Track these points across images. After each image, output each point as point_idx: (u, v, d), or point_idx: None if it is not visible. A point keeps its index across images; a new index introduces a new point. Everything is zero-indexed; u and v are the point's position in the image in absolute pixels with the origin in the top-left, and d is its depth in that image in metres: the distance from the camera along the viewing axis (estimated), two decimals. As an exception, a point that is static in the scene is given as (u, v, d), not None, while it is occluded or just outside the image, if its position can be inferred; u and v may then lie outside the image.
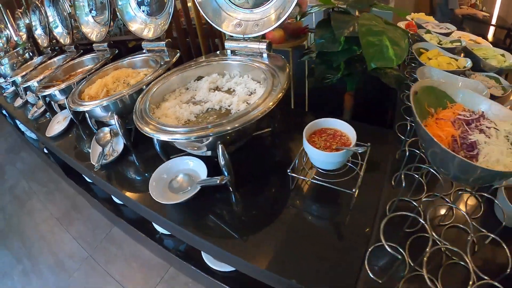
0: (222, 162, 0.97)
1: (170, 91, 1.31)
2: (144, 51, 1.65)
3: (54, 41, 2.69)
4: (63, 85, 1.60)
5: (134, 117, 1.09)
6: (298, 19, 1.70)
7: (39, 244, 2.96)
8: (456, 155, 0.58)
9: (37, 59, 2.71)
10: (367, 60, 1.06)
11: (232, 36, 1.25)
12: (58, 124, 1.85)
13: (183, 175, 1.11)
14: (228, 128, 0.88)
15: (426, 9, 3.20)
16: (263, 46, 1.18)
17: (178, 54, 1.45)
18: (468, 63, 1.12)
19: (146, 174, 1.25)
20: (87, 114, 1.51)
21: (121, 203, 1.87)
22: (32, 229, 3.15)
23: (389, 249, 0.65)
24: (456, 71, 1.06)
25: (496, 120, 0.71)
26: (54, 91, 1.60)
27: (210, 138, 0.92)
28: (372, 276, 0.74)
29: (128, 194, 1.19)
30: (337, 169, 0.96)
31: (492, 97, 1.00)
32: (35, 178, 3.84)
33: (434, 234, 0.71)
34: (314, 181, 0.98)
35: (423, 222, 0.71)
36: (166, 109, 1.18)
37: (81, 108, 1.28)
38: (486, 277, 0.66)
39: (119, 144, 1.39)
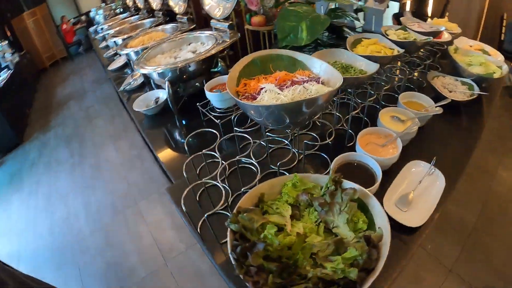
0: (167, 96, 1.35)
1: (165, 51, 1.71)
2: (212, 28, 1.74)
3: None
4: (138, 48, 1.81)
5: (136, 62, 1.53)
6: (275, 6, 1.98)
7: (90, 150, 3.83)
8: (234, 97, 0.81)
9: (133, 18, 2.91)
10: (279, 39, 1.25)
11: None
12: (133, 77, 2.06)
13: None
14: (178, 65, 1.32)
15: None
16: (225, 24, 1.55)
17: (236, 38, 1.55)
18: (401, 50, 1.23)
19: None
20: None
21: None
22: (90, 138, 4.06)
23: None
24: (375, 56, 1.15)
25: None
26: (130, 51, 1.82)
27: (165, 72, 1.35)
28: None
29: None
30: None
31: (453, 101, 1.21)
32: (106, 104, 4.84)
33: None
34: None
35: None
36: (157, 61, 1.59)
37: (142, 71, 1.47)
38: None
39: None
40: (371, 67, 1.09)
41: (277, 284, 0.55)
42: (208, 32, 1.68)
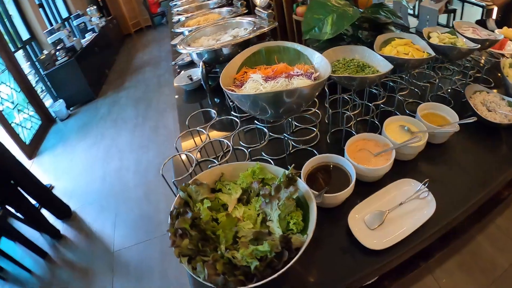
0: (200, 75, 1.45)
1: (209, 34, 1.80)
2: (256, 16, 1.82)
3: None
4: (191, 28, 1.94)
5: (180, 42, 1.64)
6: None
7: (153, 114, 4.20)
8: (222, 86, 0.87)
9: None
10: (304, 32, 1.24)
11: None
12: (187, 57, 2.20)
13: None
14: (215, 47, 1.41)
15: None
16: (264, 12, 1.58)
17: (273, 25, 1.59)
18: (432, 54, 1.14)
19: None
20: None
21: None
22: (155, 103, 4.44)
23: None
24: (393, 57, 1.09)
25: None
26: (184, 30, 1.98)
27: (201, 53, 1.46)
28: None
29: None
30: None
31: (490, 123, 1.08)
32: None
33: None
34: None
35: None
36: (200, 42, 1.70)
37: (181, 50, 1.58)
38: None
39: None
40: (386, 68, 1.03)
41: (189, 249, 0.61)
42: (250, 19, 1.73)
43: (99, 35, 5.81)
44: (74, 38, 4.92)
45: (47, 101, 4.88)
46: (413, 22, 1.95)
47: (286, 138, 1.01)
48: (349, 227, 0.77)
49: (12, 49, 4.34)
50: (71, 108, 4.84)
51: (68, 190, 3.15)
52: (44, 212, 2.74)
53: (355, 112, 1.10)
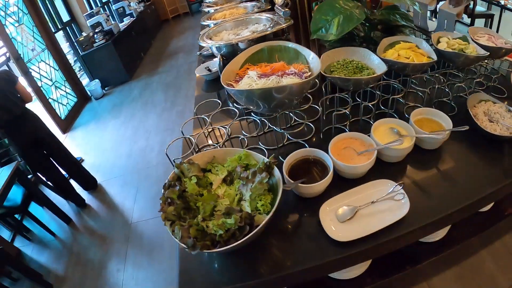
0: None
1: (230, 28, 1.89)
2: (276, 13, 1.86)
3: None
4: (216, 21, 2.05)
5: (202, 35, 1.74)
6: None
7: (181, 99, 4.39)
8: (222, 81, 0.97)
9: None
10: (312, 32, 1.27)
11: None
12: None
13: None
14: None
15: None
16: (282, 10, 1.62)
17: (289, 23, 1.64)
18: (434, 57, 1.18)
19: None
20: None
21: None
22: (184, 89, 4.63)
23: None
24: (390, 60, 1.14)
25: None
26: (209, 22, 2.08)
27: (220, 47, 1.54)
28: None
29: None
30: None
31: (491, 135, 1.05)
32: (206, 62, 5.39)
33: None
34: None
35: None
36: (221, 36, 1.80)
37: (202, 43, 1.69)
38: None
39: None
40: (381, 71, 1.07)
41: (173, 215, 0.73)
42: (269, 15, 1.80)
43: (136, 20, 6.08)
44: (113, 22, 5.19)
45: (84, 80, 5.22)
46: (433, 25, 1.94)
47: (280, 131, 1.10)
48: (319, 217, 0.85)
49: (53, 30, 4.67)
50: (106, 88, 5.15)
51: (96, 164, 3.42)
52: (73, 182, 3.01)
53: (342, 111, 1.15)
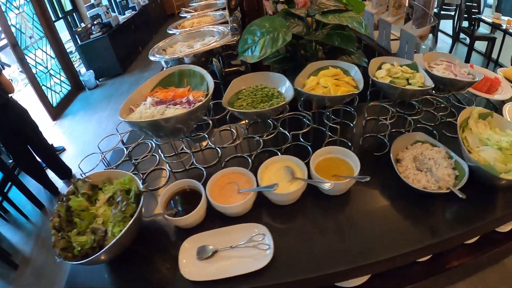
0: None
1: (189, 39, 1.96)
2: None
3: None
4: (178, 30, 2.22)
5: (157, 46, 1.81)
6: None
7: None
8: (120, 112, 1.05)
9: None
10: (239, 53, 1.24)
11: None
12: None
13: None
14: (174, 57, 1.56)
15: None
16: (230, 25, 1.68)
17: (236, 38, 1.67)
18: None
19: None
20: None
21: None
22: (172, 86, 4.73)
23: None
24: (311, 94, 1.07)
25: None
26: (175, 31, 2.31)
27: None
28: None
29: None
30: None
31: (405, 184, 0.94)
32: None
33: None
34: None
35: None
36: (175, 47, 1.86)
37: (150, 57, 1.74)
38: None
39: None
40: (288, 99, 1.04)
41: (55, 225, 0.85)
42: (222, 28, 1.84)
43: (138, 13, 6.20)
44: (112, 15, 5.32)
45: (82, 70, 5.37)
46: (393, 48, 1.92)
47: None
48: (179, 252, 0.86)
49: (53, 19, 4.82)
50: (100, 79, 5.29)
51: (76, 154, 3.57)
52: (50, 171, 3.15)
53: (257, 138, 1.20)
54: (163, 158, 1.21)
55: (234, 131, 1.34)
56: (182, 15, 2.67)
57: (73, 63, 5.24)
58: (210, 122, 1.22)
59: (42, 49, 4.60)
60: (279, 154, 1.14)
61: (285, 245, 0.85)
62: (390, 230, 0.87)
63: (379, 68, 1.22)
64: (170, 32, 2.14)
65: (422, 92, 1.06)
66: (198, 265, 0.83)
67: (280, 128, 1.16)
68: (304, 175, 0.96)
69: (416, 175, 0.96)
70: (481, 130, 1.05)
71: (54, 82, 4.73)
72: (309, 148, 1.16)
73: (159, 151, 1.24)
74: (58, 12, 5.09)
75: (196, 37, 1.95)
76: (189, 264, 0.84)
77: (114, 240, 0.76)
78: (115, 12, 5.99)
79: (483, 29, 4.81)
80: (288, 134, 1.15)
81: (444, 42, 5.35)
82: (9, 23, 4.00)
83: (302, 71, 1.19)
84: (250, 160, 1.16)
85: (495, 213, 0.91)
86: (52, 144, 3.35)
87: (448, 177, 0.94)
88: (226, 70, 1.70)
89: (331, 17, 1.25)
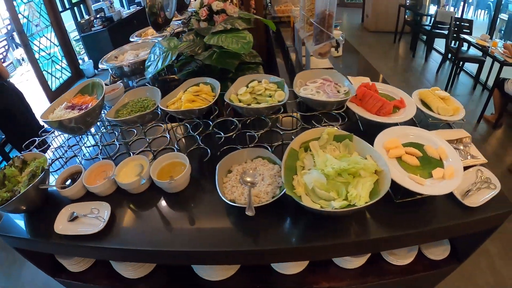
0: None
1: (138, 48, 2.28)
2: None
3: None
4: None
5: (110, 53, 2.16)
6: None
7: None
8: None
9: None
10: (145, 67, 1.59)
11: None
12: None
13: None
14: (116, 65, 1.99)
15: None
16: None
17: None
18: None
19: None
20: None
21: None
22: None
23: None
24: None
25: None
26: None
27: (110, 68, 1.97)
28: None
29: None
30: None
31: None
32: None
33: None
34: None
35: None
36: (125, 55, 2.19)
37: (100, 65, 2.06)
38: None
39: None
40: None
41: None
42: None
43: (142, 9, 6.58)
44: (117, 9, 5.73)
45: (86, 58, 5.81)
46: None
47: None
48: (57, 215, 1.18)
49: (60, 9, 5.26)
50: (98, 69, 5.71)
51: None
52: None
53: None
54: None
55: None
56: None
57: (79, 51, 5.68)
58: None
59: (46, 37, 5.05)
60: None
61: (120, 222, 1.15)
62: (212, 229, 1.08)
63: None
64: (132, 39, 2.41)
65: (273, 108, 1.22)
66: (66, 224, 1.15)
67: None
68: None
69: (233, 186, 1.11)
70: (329, 152, 1.10)
71: (56, 68, 5.19)
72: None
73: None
74: (66, 3, 5.54)
75: (145, 47, 2.25)
76: (61, 223, 1.15)
77: (15, 198, 1.10)
78: (121, 5, 6.39)
79: (474, 51, 4.78)
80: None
81: (435, 61, 5.44)
82: (17, 11, 4.45)
83: (177, 88, 1.42)
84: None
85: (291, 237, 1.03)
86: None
87: (264, 194, 1.06)
88: (160, 78, 2.01)
89: (217, 39, 1.45)
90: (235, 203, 1.03)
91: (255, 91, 1.33)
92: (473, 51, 4.73)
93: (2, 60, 7.40)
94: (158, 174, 1.25)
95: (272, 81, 1.38)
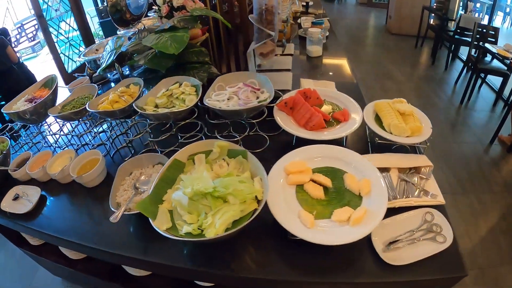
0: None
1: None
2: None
3: None
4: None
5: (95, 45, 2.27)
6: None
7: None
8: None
9: None
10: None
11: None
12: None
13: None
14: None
15: None
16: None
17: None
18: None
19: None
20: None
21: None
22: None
23: None
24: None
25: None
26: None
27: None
28: None
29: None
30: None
31: None
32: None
33: None
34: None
35: None
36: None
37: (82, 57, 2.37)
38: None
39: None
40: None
41: None
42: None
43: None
44: (136, -2, 5.89)
45: (105, 42, 6.05)
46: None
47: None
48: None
49: (81, -5, 5.49)
50: (114, 54, 5.94)
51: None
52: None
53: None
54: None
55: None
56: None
57: (102, 36, 5.92)
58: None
59: (66, 22, 5.31)
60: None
61: (45, 207, 1.28)
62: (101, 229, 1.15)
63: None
64: (118, 33, 2.52)
65: (177, 114, 1.23)
66: (9, 202, 1.31)
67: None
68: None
69: (125, 190, 1.15)
70: (215, 169, 1.03)
71: (73, 52, 5.44)
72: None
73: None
74: (87, -12, 5.77)
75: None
76: (6, 201, 1.31)
77: None
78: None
79: (499, 62, 4.45)
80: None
81: (456, 70, 5.12)
82: (38, -4, 4.71)
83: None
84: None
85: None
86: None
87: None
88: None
89: (154, 39, 1.42)
90: (119, 207, 1.06)
91: (174, 93, 1.33)
92: (497, 63, 4.43)
93: (32, 39, 7.98)
94: (81, 168, 1.34)
95: (192, 84, 1.38)
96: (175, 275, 1.22)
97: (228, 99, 1.28)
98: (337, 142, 1.23)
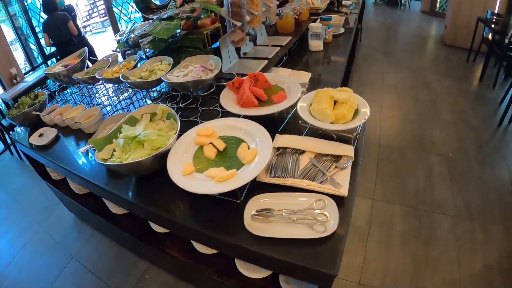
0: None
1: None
2: None
3: None
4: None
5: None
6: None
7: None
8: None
9: None
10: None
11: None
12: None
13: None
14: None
15: None
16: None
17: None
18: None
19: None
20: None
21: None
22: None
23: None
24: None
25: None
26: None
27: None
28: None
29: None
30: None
31: None
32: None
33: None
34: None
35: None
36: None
37: None
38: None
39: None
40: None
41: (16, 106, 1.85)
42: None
43: None
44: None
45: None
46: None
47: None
48: None
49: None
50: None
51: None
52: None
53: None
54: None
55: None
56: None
57: (156, 18, 6.57)
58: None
59: (129, 3, 5.99)
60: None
61: (60, 143, 1.79)
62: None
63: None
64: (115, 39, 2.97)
65: (148, 84, 1.60)
66: (35, 137, 1.81)
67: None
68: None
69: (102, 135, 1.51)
70: (152, 126, 1.33)
71: (136, 26, 6.14)
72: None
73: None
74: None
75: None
76: (33, 137, 1.82)
77: (19, 113, 1.85)
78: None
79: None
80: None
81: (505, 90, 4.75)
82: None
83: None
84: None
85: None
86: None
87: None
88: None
89: (154, 26, 1.85)
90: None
91: (151, 69, 1.72)
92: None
93: (104, 15, 9.10)
94: (86, 118, 1.78)
95: (169, 63, 1.72)
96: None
97: (186, 75, 1.56)
98: (280, 120, 1.46)
